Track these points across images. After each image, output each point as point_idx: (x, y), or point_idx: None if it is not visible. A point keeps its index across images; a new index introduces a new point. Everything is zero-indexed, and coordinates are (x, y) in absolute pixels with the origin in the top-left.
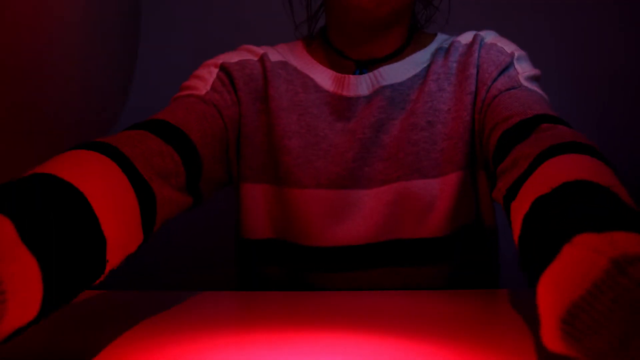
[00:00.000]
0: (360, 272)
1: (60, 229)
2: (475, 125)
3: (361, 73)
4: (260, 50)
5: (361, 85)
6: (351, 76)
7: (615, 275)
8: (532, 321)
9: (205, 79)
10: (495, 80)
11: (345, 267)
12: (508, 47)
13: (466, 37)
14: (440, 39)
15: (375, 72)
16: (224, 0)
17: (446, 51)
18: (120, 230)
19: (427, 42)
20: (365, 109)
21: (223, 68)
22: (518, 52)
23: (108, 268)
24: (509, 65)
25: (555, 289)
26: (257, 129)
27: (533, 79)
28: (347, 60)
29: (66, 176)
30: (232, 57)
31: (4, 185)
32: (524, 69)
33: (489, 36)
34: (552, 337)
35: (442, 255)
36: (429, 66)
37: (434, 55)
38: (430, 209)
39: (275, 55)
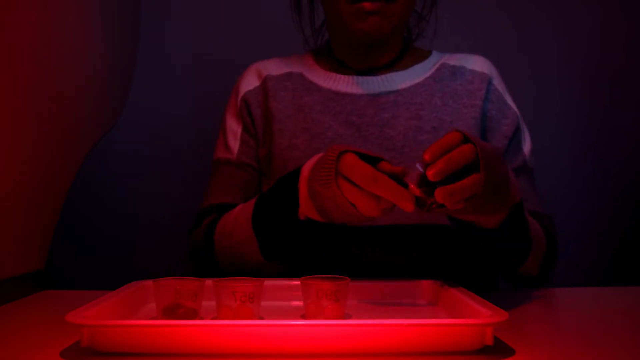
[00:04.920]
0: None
1: None
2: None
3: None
4: (265, 70)
5: (366, 85)
6: (354, 77)
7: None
8: None
9: (233, 130)
10: (508, 146)
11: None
12: (510, 101)
13: (471, 63)
14: (437, 55)
15: (382, 76)
16: (223, 1)
17: (451, 71)
18: None
19: (424, 56)
20: (370, 107)
21: (243, 100)
22: (518, 112)
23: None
24: (517, 128)
25: None
26: (263, 144)
27: (532, 153)
28: (348, 69)
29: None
30: (244, 86)
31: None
32: (525, 140)
33: (494, 78)
34: None
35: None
36: (432, 79)
37: (438, 71)
38: None
39: (282, 67)
